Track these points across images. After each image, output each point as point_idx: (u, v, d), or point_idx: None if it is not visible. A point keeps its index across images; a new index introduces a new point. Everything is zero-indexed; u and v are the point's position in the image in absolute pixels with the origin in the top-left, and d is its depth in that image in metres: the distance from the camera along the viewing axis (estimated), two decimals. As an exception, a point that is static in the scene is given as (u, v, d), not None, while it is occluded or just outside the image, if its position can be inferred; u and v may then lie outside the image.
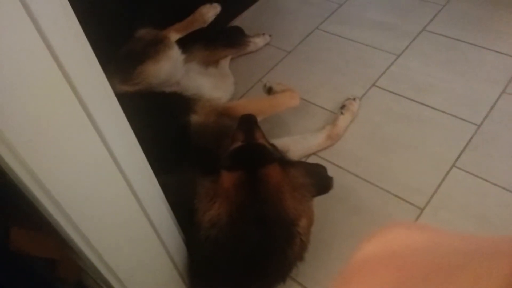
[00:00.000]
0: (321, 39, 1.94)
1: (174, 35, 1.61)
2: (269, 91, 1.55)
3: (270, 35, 1.94)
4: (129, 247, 0.90)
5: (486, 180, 1.35)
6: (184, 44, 1.61)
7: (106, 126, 0.70)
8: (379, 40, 1.88)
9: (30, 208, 0.78)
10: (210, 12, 1.70)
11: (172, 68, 1.49)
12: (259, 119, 1.28)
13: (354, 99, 1.60)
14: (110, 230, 0.83)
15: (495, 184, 1.34)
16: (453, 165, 1.40)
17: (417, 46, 1.83)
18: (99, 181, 0.76)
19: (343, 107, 1.58)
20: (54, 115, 0.60)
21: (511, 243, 0.19)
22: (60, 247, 0.99)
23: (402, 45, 1.84)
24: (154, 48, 1.48)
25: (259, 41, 1.90)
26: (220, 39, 1.84)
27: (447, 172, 1.39)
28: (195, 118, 1.29)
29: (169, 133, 1.26)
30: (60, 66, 0.55)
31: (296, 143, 1.45)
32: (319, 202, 1.31)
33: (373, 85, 1.70)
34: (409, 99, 1.62)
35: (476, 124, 1.50)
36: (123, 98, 0.75)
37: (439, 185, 1.36)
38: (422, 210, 1.31)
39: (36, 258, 0.96)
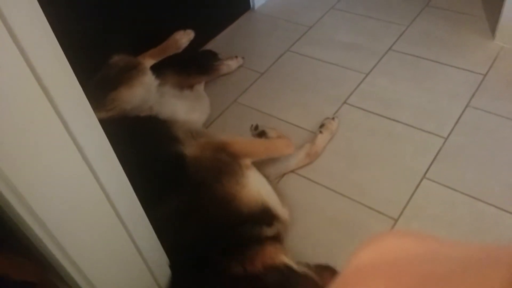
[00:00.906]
0: (293, 60, 2.00)
1: (148, 61, 1.65)
2: (261, 134, 1.59)
3: (243, 58, 1.99)
4: (107, 259, 0.91)
5: (455, 190, 1.41)
6: (158, 69, 1.64)
7: (83, 138, 0.72)
8: (348, 60, 1.95)
9: (7, 230, 0.79)
10: (184, 38, 1.76)
11: (145, 93, 1.51)
12: (252, 160, 1.31)
13: (333, 118, 1.65)
14: (90, 244, 0.85)
15: (463, 193, 1.39)
16: (423, 177, 1.46)
17: (384, 65, 1.91)
18: (80, 196, 0.78)
19: (322, 126, 1.63)
20: (35, 130, 0.62)
21: (508, 251, 0.19)
22: (40, 270, 0.98)
23: (370, 64, 1.92)
24: (128, 74, 1.50)
25: (232, 64, 1.94)
26: (193, 64, 1.88)
27: (418, 184, 1.44)
28: (188, 150, 1.29)
29: (155, 163, 1.28)
30: (42, 86, 0.57)
31: (276, 161, 1.49)
32: (295, 215, 1.35)
33: (344, 102, 1.76)
34: (378, 115, 1.69)
35: (443, 137, 1.57)
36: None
37: (411, 196, 1.41)
38: (396, 220, 1.35)
39: (15, 282, 0.95)
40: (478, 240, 1.28)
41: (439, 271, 0.20)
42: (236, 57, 1.97)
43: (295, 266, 1.10)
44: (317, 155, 1.56)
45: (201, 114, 1.66)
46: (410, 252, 0.23)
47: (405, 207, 1.38)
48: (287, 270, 1.08)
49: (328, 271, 1.14)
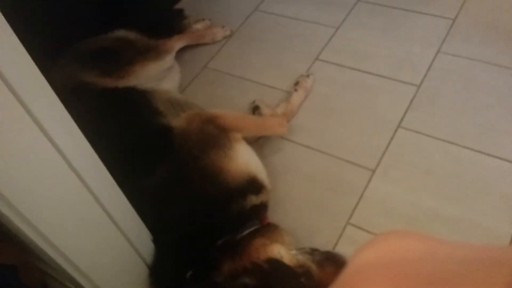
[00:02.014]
0: (261, 19, 1.96)
1: (177, 44, 1.73)
2: (255, 110, 1.55)
3: (210, 19, 1.94)
4: (84, 235, 0.91)
5: (431, 136, 1.42)
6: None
7: (43, 116, 0.70)
8: (317, 15, 1.91)
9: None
10: (220, 33, 1.89)
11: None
12: (242, 135, 1.29)
13: (307, 75, 1.63)
14: (62, 222, 0.84)
15: (439, 139, 1.41)
16: (399, 126, 1.46)
17: (354, 17, 1.88)
18: (49, 177, 0.77)
19: (296, 84, 1.61)
20: None
21: (509, 253, 0.19)
22: (20, 253, 0.97)
23: (340, 18, 1.88)
24: (155, 51, 1.57)
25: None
26: (161, 24, 1.83)
27: (393, 133, 1.45)
28: (173, 122, 1.27)
29: (138, 135, 1.26)
30: None
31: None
32: (275, 177, 1.35)
33: (316, 59, 1.74)
34: (351, 68, 1.67)
35: (416, 85, 1.57)
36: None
37: (387, 146, 1.42)
38: (373, 171, 1.36)
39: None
40: (455, 183, 1.30)
41: (441, 271, 0.20)
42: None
43: (287, 256, 1.06)
44: (293, 113, 1.55)
45: (172, 82, 1.63)
46: (413, 253, 0.23)
47: (381, 157, 1.39)
48: (274, 264, 1.04)
49: (332, 261, 1.12)
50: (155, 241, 1.11)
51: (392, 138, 1.43)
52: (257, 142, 1.47)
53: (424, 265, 0.22)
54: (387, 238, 0.26)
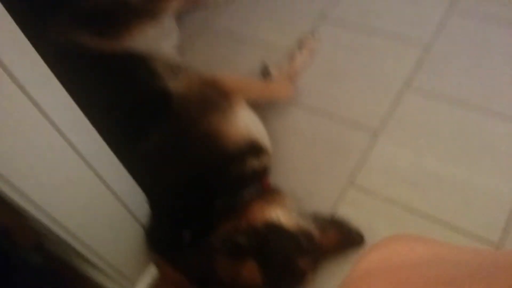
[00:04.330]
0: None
1: (175, 5, 1.59)
2: (264, 71, 1.50)
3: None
4: (75, 199, 0.91)
5: (438, 97, 1.38)
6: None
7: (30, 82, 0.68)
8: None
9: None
10: None
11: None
12: (244, 99, 1.25)
13: (312, 35, 1.57)
14: (55, 188, 0.83)
15: (446, 100, 1.36)
16: (405, 86, 1.42)
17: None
18: (36, 141, 0.76)
19: (301, 44, 1.55)
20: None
21: (510, 257, 0.19)
22: (14, 215, 0.96)
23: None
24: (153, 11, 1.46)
25: None
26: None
27: (400, 94, 1.40)
28: (172, 85, 1.23)
29: (136, 99, 1.22)
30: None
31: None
32: (276, 139, 1.32)
33: (321, 16, 1.67)
34: (357, 27, 1.61)
35: (424, 45, 1.51)
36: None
37: (392, 108, 1.38)
38: (377, 133, 1.33)
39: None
40: (461, 145, 1.27)
41: (446, 275, 0.20)
42: None
43: (286, 219, 1.06)
44: (296, 75, 1.50)
45: (171, 44, 1.58)
46: (418, 257, 0.24)
47: (386, 119, 1.36)
48: (271, 227, 1.03)
49: (335, 226, 1.11)
50: (152, 204, 1.09)
51: (397, 99, 1.39)
52: (259, 106, 1.44)
53: (429, 269, 0.22)
54: (392, 242, 0.26)
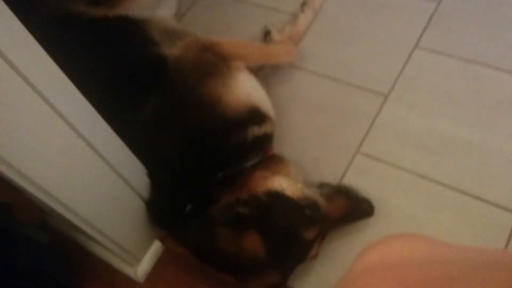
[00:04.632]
0: None
1: None
2: (266, 35, 1.43)
3: None
4: (70, 172, 0.87)
5: (450, 56, 1.30)
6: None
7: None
8: None
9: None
10: None
11: None
12: (244, 64, 1.19)
13: None
14: (48, 162, 0.80)
15: (458, 58, 1.28)
16: (415, 46, 1.34)
17: None
18: (27, 116, 0.74)
19: (304, 3, 1.47)
20: None
21: (510, 256, 0.19)
22: (17, 192, 0.93)
23: None
24: None
25: None
26: None
27: (410, 54, 1.32)
28: (168, 51, 1.17)
29: (131, 66, 1.17)
30: None
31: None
32: (280, 106, 1.26)
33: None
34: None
35: (435, 0, 1.42)
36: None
37: (402, 69, 1.30)
38: (386, 96, 1.26)
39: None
40: (476, 106, 1.20)
41: (447, 274, 0.20)
42: None
43: (290, 188, 1.01)
44: (300, 38, 1.43)
45: (168, 9, 1.51)
46: (419, 256, 0.23)
47: (396, 81, 1.28)
48: (274, 196, 0.98)
49: (342, 194, 1.06)
50: (151, 176, 1.06)
51: (407, 60, 1.31)
52: (262, 71, 1.37)
53: (429, 268, 0.21)
54: (391, 241, 0.26)
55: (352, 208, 1.05)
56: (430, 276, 0.21)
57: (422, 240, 0.25)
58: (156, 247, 1.19)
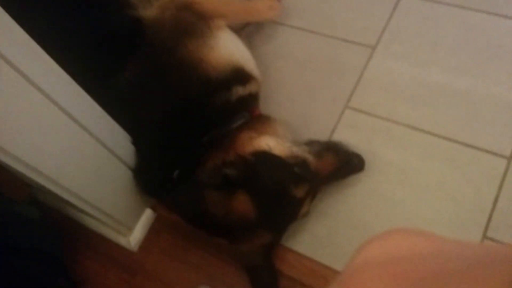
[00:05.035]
0: None
1: None
2: None
3: None
4: (51, 144, 0.85)
5: (437, 1, 1.25)
6: None
7: None
8: None
9: None
10: None
11: None
12: (226, 22, 1.13)
13: None
14: (23, 133, 0.77)
15: (446, 4, 1.24)
16: (401, -5, 1.29)
17: None
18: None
19: None
20: None
21: (509, 251, 0.19)
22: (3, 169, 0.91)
23: None
24: None
25: None
26: None
27: (396, 3, 1.28)
28: (144, 13, 1.12)
29: (105, 30, 1.11)
30: None
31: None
32: (266, 65, 1.23)
33: None
34: None
35: None
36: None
37: (389, 19, 1.26)
38: (373, 48, 1.23)
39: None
40: (465, 52, 1.16)
41: (444, 269, 0.20)
42: None
43: (278, 148, 0.98)
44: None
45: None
46: (417, 251, 0.23)
47: (383, 31, 1.24)
48: (261, 156, 0.96)
49: (332, 150, 1.03)
50: (136, 143, 1.03)
51: (394, 9, 1.27)
52: (244, 30, 1.33)
53: (426, 262, 0.22)
54: (391, 236, 0.26)
55: (342, 163, 1.03)
56: (428, 271, 0.21)
57: (422, 235, 0.25)
58: (147, 215, 1.18)
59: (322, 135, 1.14)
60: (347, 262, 0.26)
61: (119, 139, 1.01)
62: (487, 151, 1.04)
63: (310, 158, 1.00)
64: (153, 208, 1.18)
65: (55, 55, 0.80)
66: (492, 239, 0.96)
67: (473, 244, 0.22)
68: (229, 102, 1.04)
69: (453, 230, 0.98)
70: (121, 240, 1.16)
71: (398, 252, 0.24)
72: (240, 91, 1.07)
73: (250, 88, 1.10)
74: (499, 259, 0.19)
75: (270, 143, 0.98)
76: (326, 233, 1.05)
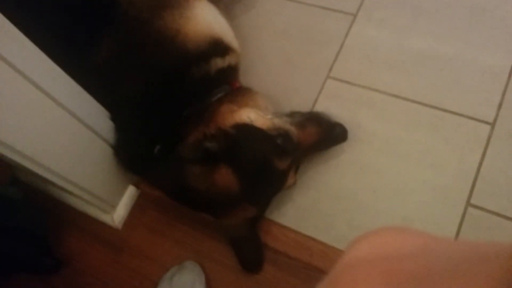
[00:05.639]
0: None
1: None
2: None
3: None
4: (28, 122, 0.82)
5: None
6: None
7: None
8: None
9: None
10: None
11: None
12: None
13: None
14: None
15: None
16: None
17: None
18: None
19: None
20: None
21: (500, 248, 0.19)
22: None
23: None
24: None
25: None
26: None
27: (377, -31, 1.25)
28: None
29: (86, 3, 1.07)
30: None
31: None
32: (245, 36, 1.20)
33: None
34: None
35: None
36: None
37: (370, -15, 1.23)
38: (354, 16, 1.20)
39: None
40: (448, 18, 1.15)
41: (435, 267, 0.20)
42: None
43: (260, 120, 0.96)
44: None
45: None
46: (407, 249, 0.23)
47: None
48: (242, 128, 0.94)
49: (314, 121, 1.01)
50: (115, 119, 1.01)
51: (375, -25, 1.24)
52: (222, 1, 1.29)
53: (417, 261, 0.21)
54: (381, 234, 0.25)
55: (325, 134, 1.03)
56: (418, 269, 0.21)
57: (412, 233, 0.25)
58: (130, 192, 1.17)
59: (304, 106, 1.12)
60: (337, 260, 0.26)
61: (97, 116, 0.99)
62: (471, 118, 1.04)
63: (292, 129, 0.99)
64: (136, 185, 1.17)
65: (27, 27, 0.77)
66: (475, 206, 0.96)
67: (463, 242, 0.22)
68: (208, 74, 1.02)
69: (437, 198, 0.99)
70: (105, 218, 1.15)
71: (387, 250, 0.24)
72: (219, 63, 1.05)
73: (229, 60, 1.07)
74: (489, 257, 0.19)
75: (251, 115, 0.96)
76: (310, 205, 1.05)
